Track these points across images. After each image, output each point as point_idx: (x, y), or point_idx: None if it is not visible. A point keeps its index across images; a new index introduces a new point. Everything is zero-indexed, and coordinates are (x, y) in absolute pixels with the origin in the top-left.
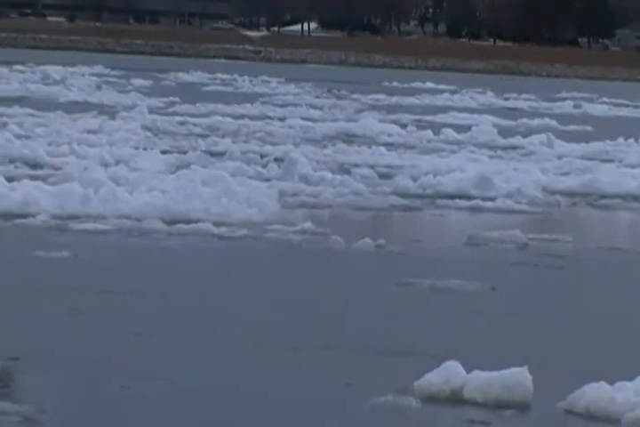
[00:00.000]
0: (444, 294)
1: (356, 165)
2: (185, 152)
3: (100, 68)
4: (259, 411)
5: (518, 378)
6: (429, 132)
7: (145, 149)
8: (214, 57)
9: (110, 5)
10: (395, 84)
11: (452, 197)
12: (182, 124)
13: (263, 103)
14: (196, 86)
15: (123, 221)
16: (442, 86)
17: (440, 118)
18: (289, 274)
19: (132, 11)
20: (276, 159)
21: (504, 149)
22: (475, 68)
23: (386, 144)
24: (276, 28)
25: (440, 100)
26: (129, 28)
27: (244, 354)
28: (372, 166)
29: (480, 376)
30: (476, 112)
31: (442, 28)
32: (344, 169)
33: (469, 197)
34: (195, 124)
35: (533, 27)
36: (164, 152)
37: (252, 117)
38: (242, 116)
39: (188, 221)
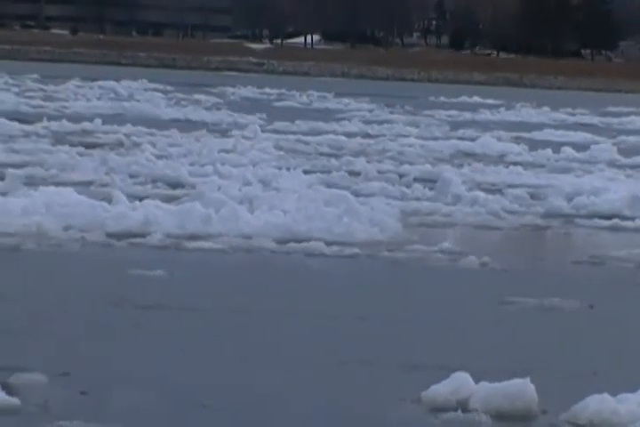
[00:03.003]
0: (536, 312)
1: (494, 185)
2: (328, 172)
3: (145, 83)
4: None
5: (521, 389)
6: (549, 151)
7: (288, 169)
8: (217, 69)
9: (113, 18)
10: (442, 98)
11: (605, 217)
12: (306, 143)
13: (352, 120)
14: (263, 102)
15: (235, 241)
16: (490, 101)
17: (537, 135)
18: (388, 292)
19: (135, 23)
20: (415, 179)
21: (632, 167)
22: (477, 80)
23: (515, 163)
24: (278, 41)
25: (510, 116)
26: (132, 41)
27: (324, 369)
28: (510, 186)
29: (485, 387)
30: (558, 128)
31: (445, 40)
32: (485, 188)
33: (622, 218)
34: (318, 144)
35: (536, 39)
36: (306, 172)
37: (363, 135)
38: (353, 135)
39: (304, 241)
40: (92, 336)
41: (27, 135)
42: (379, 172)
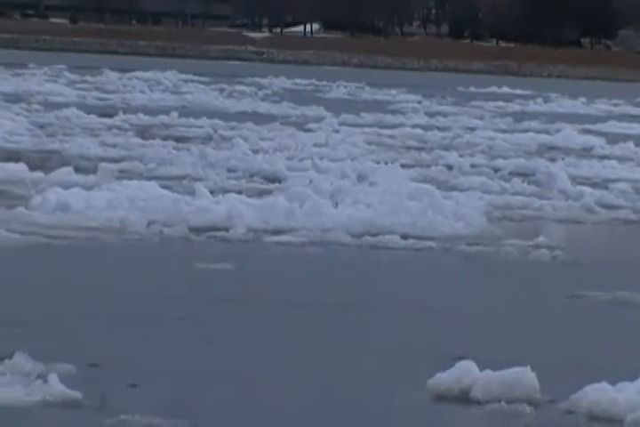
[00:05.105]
0: (599, 305)
1: (588, 179)
2: (426, 166)
3: (176, 74)
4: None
5: (521, 378)
6: (631, 144)
7: (386, 163)
8: (217, 58)
9: (113, 7)
10: (471, 88)
11: None
12: (390, 136)
13: (413, 113)
14: (307, 93)
15: (314, 235)
16: (519, 91)
17: (603, 128)
18: (454, 284)
19: (135, 12)
20: (511, 173)
21: None
22: (476, 69)
23: (603, 157)
24: (278, 30)
25: (556, 108)
26: (131, 30)
27: (365, 362)
28: (607, 180)
29: (487, 376)
30: (618, 120)
31: (444, 29)
32: (582, 183)
33: None
34: (403, 137)
35: (535, 27)
36: (404, 166)
37: (440, 129)
38: (430, 127)
39: (383, 235)
40: (135, 329)
41: (109, 129)
42: (472, 166)
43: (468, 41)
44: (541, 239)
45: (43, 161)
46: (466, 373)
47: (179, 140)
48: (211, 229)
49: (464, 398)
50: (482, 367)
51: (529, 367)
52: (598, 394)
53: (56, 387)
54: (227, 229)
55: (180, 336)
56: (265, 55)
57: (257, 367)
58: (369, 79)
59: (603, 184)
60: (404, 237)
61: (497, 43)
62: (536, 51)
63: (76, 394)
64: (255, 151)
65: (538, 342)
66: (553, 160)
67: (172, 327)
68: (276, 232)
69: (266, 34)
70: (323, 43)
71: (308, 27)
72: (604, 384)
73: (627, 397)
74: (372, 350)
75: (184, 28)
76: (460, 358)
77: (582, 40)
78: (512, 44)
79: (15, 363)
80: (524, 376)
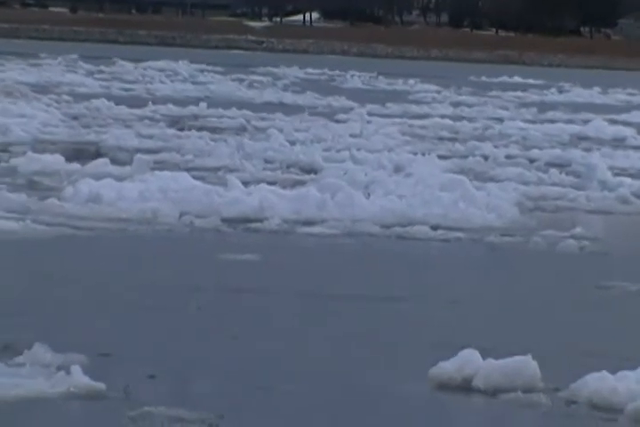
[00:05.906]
0: (627, 296)
1: (624, 170)
2: (463, 157)
3: (188, 64)
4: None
5: (523, 367)
6: None
7: (423, 154)
8: (217, 47)
9: None
10: (483, 78)
11: None
12: (422, 127)
13: (436, 103)
14: (323, 83)
15: (345, 226)
16: (531, 81)
17: (629, 118)
18: (479, 275)
19: (134, 1)
20: (547, 164)
21: None
22: (477, 58)
23: (637, 147)
24: (277, 19)
25: (573, 97)
26: (131, 19)
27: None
28: None
29: (489, 365)
30: (638, 110)
31: (444, 18)
32: (618, 173)
33: None
34: (437, 128)
35: (535, 16)
36: (440, 157)
37: (468, 119)
38: (457, 118)
39: (413, 225)
40: (152, 319)
41: (140, 119)
42: (507, 156)
43: (467, 30)
44: (572, 230)
45: (79, 152)
46: (468, 362)
47: (213, 131)
48: (242, 221)
49: (466, 387)
50: (488, 356)
51: (530, 356)
52: (599, 383)
53: (79, 379)
54: (258, 221)
55: (196, 327)
56: (264, 44)
57: (274, 358)
58: (378, 69)
59: (634, 175)
60: (435, 228)
61: (497, 32)
62: (536, 40)
63: (100, 385)
64: (292, 142)
65: (550, 332)
66: (588, 151)
67: (190, 318)
68: (308, 223)
69: (266, 23)
70: (322, 32)
71: (308, 16)
72: (605, 373)
73: (627, 386)
74: (380, 339)
75: (184, 17)
76: (465, 347)
77: (582, 29)
78: (512, 34)
79: (35, 354)
80: (526, 365)
